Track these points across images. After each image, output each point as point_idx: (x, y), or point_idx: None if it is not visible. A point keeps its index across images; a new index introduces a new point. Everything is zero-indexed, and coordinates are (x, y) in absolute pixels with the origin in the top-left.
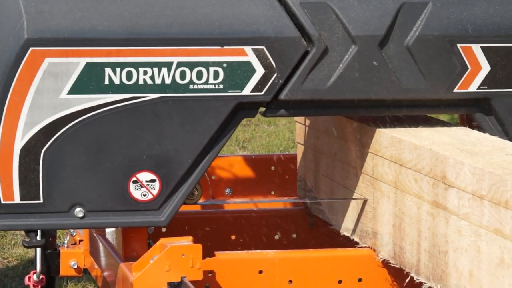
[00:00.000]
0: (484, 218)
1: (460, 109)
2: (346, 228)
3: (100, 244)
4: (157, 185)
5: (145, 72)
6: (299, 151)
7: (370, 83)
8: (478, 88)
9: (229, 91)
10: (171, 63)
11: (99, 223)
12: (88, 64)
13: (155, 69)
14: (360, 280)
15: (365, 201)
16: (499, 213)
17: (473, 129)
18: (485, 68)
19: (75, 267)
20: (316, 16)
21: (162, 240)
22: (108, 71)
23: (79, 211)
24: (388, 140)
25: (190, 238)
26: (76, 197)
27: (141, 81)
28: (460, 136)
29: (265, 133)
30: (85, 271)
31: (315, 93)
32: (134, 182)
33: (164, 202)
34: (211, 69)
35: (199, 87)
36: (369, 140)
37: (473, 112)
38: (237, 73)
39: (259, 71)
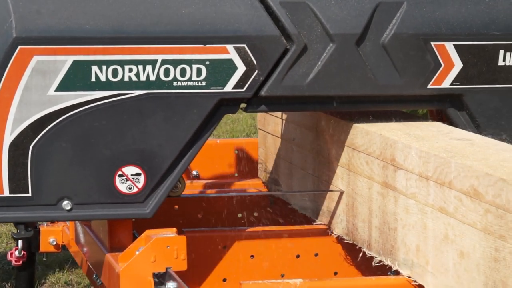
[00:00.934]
0: (430, 197)
1: (434, 104)
2: (303, 207)
3: (86, 234)
4: (142, 178)
5: (130, 70)
6: (261, 136)
7: (347, 80)
8: (451, 84)
9: (212, 87)
10: (156, 60)
11: (86, 215)
12: (75, 61)
13: (140, 67)
14: (316, 254)
15: (338, 191)
16: (443, 193)
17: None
18: (458, 65)
19: (54, 243)
20: (296, 15)
21: (148, 232)
22: (94, 68)
23: (66, 204)
24: (343, 126)
25: (174, 229)
26: (63, 190)
27: (126, 78)
28: (408, 122)
29: (229, 120)
30: (63, 247)
31: (295, 89)
32: (120, 176)
33: (148, 195)
34: (194, 66)
35: (183, 84)
36: (324, 126)
37: (446, 108)
38: (219, 71)
39: (241, 68)
